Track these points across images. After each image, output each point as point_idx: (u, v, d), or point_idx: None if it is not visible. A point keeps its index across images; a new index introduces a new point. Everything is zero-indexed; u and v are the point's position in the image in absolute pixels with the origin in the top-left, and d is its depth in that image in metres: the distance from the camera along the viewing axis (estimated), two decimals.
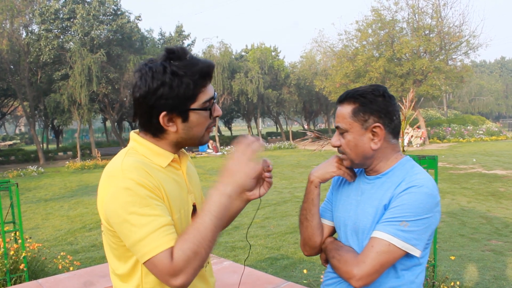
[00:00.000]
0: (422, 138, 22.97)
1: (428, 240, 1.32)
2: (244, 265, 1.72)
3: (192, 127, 1.19)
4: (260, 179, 1.39)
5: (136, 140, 1.22)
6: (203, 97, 1.17)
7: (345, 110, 1.34)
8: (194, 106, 1.16)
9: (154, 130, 1.19)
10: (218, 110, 1.23)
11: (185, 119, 1.17)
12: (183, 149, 1.31)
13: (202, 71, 1.15)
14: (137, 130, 1.26)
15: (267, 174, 1.37)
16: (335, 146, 1.39)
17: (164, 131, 1.18)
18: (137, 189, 1.08)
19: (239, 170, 1.13)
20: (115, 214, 1.09)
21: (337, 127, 1.37)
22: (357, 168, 1.42)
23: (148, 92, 1.13)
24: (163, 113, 1.14)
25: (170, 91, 1.12)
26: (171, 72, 1.12)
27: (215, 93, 1.22)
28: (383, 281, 1.30)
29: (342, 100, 1.36)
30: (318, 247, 1.47)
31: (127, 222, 1.07)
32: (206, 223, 1.07)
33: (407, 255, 1.27)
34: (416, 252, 1.25)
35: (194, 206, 1.28)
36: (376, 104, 1.31)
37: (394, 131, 1.35)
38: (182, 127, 1.18)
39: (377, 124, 1.31)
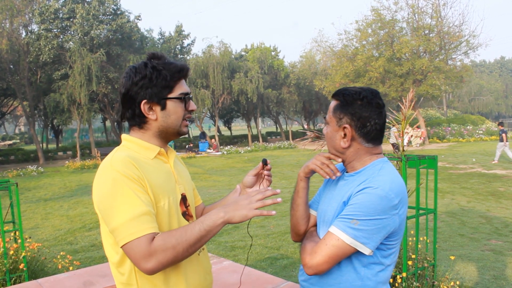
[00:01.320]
0: (422, 138, 22.97)
1: (389, 242, 1.36)
2: (247, 258, 1.75)
3: (170, 115, 1.36)
4: (260, 177, 1.55)
5: (126, 138, 1.40)
6: (178, 90, 1.36)
7: (332, 104, 1.46)
8: (170, 95, 1.35)
9: (138, 121, 1.36)
10: (193, 105, 1.41)
11: (163, 107, 1.35)
12: (170, 146, 1.47)
13: (177, 67, 1.36)
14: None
15: (266, 172, 1.53)
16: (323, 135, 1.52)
17: (146, 121, 1.36)
18: (122, 180, 1.21)
19: (243, 209, 1.27)
20: (101, 202, 1.24)
21: (324, 118, 1.50)
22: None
23: (131, 84, 1.32)
24: (144, 101, 1.32)
25: (149, 82, 1.32)
26: (151, 67, 1.33)
27: (191, 93, 1.42)
28: (341, 273, 1.37)
29: (333, 95, 1.47)
30: (302, 235, 1.56)
31: (110, 208, 1.21)
32: (195, 230, 1.21)
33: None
34: (365, 250, 1.30)
35: (183, 196, 1.41)
36: (352, 107, 1.39)
37: (368, 136, 1.40)
38: (161, 115, 1.35)
39: (347, 125, 1.39)
